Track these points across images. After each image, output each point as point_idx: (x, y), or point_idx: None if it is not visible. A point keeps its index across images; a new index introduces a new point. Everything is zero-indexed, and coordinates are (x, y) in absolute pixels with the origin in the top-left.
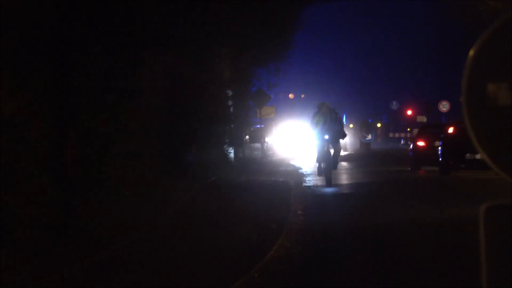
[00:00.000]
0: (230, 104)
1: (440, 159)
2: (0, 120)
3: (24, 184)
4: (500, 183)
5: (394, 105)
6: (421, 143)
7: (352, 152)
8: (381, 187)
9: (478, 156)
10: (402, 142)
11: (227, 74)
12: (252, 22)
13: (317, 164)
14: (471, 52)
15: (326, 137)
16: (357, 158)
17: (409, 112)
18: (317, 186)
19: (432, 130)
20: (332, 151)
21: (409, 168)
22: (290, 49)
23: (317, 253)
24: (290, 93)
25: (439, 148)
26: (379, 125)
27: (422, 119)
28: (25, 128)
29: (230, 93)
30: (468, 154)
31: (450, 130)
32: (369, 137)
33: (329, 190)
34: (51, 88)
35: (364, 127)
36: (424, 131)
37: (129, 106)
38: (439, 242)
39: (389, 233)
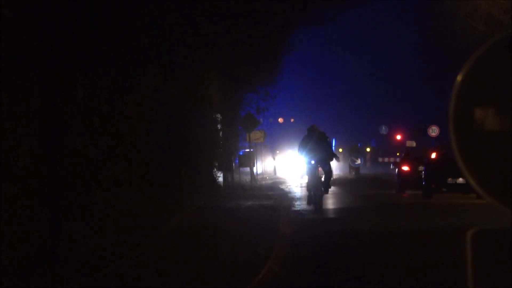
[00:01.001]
0: (219, 128)
1: (423, 183)
2: None
3: (12, 207)
4: (479, 206)
5: (384, 129)
6: (405, 168)
7: (341, 176)
8: (366, 211)
9: (459, 181)
10: (391, 166)
11: (216, 98)
12: (241, 46)
13: (307, 192)
14: (458, 77)
15: (313, 162)
16: (346, 183)
17: (398, 137)
18: (306, 211)
19: (416, 155)
20: (323, 176)
21: (395, 192)
22: (279, 74)
23: (305, 278)
24: (279, 117)
25: (422, 172)
26: (368, 149)
27: (411, 143)
28: (13, 152)
29: (219, 117)
30: (449, 179)
31: (433, 155)
32: (358, 161)
33: (317, 216)
34: (38, 112)
35: (353, 151)
36: (408, 156)
37: (116, 130)
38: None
39: (376, 256)
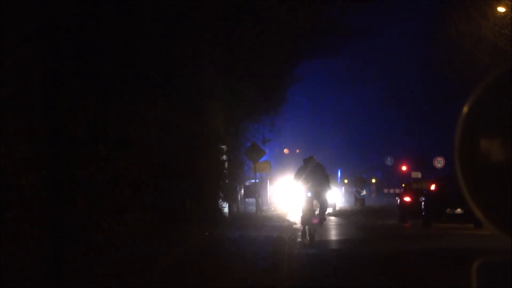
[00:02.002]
0: (224, 158)
1: (423, 213)
2: None
3: (16, 235)
4: (473, 234)
5: (389, 161)
6: (407, 198)
7: (347, 207)
8: (366, 243)
9: (457, 211)
10: (397, 198)
11: (221, 129)
12: (247, 77)
13: (301, 227)
14: (464, 108)
15: (309, 194)
16: (351, 214)
17: (404, 168)
18: (300, 243)
19: (417, 186)
20: (317, 208)
21: (396, 222)
22: (285, 104)
23: None
24: (285, 148)
25: (422, 203)
26: (374, 180)
27: (417, 175)
28: (18, 179)
29: (224, 148)
30: (448, 209)
31: (432, 187)
32: (364, 192)
33: (311, 250)
34: (44, 140)
35: (359, 182)
36: (409, 188)
37: (121, 158)
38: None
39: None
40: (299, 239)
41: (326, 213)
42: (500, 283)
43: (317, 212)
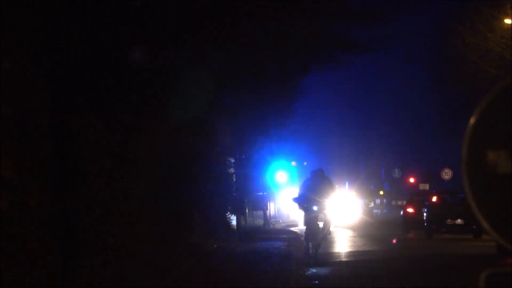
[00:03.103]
0: (232, 171)
1: (425, 224)
2: (1, 184)
3: (24, 250)
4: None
5: (397, 173)
6: (410, 210)
7: (355, 219)
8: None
9: (457, 222)
10: (401, 209)
11: (228, 142)
12: (254, 90)
13: (305, 242)
14: (471, 120)
15: (315, 208)
16: (359, 226)
17: (412, 180)
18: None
19: (419, 198)
20: (321, 223)
21: (400, 232)
22: (292, 117)
23: None
24: (292, 160)
25: (424, 214)
26: (381, 192)
27: (425, 187)
28: (26, 193)
29: (232, 160)
30: (448, 220)
31: (434, 199)
32: (372, 204)
33: (315, 269)
34: (51, 154)
35: (367, 194)
36: (412, 199)
37: (128, 173)
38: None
39: None
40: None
41: (332, 227)
42: None
43: (321, 225)
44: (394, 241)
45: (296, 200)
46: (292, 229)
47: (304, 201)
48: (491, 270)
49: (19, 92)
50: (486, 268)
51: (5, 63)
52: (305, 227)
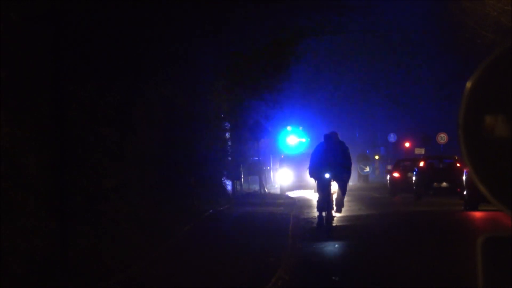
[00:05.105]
0: (227, 136)
1: (414, 187)
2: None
3: (21, 217)
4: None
5: (392, 137)
6: (396, 175)
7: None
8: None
9: (443, 185)
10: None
11: (224, 107)
12: (249, 55)
13: (317, 213)
14: (468, 85)
15: (327, 175)
16: (352, 191)
17: (407, 144)
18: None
19: (404, 163)
20: (335, 194)
21: (387, 195)
22: (287, 81)
23: (315, 286)
24: (288, 125)
25: (413, 178)
26: (377, 157)
27: (420, 151)
28: (23, 161)
29: (228, 125)
30: (435, 183)
31: (421, 164)
32: (367, 169)
33: (327, 244)
34: (47, 121)
35: (362, 159)
36: (398, 165)
37: (125, 138)
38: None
39: (385, 262)
40: (313, 225)
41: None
42: (505, 258)
43: (335, 196)
44: (396, 198)
45: (311, 165)
46: (289, 193)
47: (316, 167)
48: (489, 235)
49: (17, 55)
50: (483, 233)
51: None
52: (318, 196)
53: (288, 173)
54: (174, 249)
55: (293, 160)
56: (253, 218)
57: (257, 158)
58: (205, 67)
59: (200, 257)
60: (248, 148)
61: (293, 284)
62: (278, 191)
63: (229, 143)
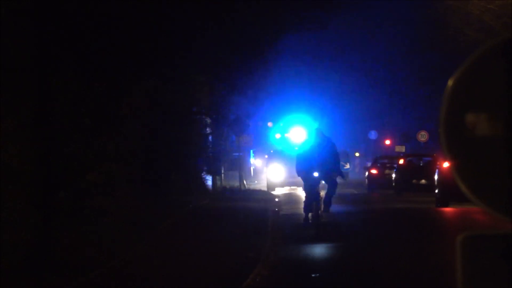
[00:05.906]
0: (208, 132)
1: (393, 184)
2: None
3: (4, 209)
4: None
5: (373, 134)
6: (374, 171)
7: None
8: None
9: (421, 182)
10: (366, 171)
11: (205, 102)
12: (231, 49)
13: (303, 214)
14: (450, 82)
15: (316, 174)
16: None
17: (387, 142)
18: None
19: (382, 161)
20: (322, 192)
21: (366, 191)
22: (269, 78)
23: (294, 282)
24: (269, 121)
25: (393, 175)
26: (357, 154)
27: (401, 149)
28: (6, 155)
29: (208, 121)
30: (414, 180)
31: (401, 161)
32: (347, 166)
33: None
34: (31, 114)
35: (342, 156)
36: (376, 162)
37: (108, 132)
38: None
39: (368, 260)
40: (293, 221)
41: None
42: (485, 257)
43: (322, 194)
44: (375, 194)
45: (297, 163)
46: (265, 189)
47: (303, 166)
48: (468, 233)
49: (2, 49)
50: (463, 232)
51: None
52: (305, 195)
53: (279, 169)
54: (155, 243)
55: (284, 155)
56: (232, 212)
57: (237, 154)
58: (185, 62)
59: (180, 251)
60: (228, 143)
61: (272, 279)
62: (260, 187)
63: (210, 139)
